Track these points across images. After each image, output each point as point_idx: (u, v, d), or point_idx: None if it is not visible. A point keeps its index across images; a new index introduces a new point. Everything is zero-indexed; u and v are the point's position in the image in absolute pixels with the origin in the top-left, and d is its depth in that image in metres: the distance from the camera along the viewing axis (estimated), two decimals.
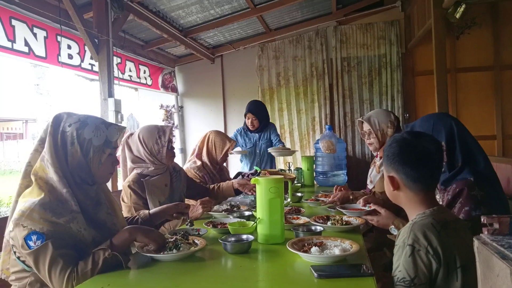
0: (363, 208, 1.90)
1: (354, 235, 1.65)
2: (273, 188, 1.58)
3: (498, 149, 4.72)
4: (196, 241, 1.53)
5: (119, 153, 2.29)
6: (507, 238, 0.90)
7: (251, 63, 5.38)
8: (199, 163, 2.80)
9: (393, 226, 1.49)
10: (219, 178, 2.85)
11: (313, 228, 1.67)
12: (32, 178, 1.36)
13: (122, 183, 2.24)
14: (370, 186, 2.54)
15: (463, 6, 3.42)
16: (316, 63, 5.19)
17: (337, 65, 5.11)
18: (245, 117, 3.76)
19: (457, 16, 3.49)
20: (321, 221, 1.84)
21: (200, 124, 5.63)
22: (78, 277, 1.24)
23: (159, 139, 2.15)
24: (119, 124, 1.59)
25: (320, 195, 2.67)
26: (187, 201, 2.47)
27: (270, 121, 5.22)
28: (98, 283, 1.23)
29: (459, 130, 1.57)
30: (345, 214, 1.96)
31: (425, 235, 1.10)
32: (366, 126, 2.54)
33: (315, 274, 1.19)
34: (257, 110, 3.74)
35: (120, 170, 2.41)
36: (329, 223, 1.79)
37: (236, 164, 4.77)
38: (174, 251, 1.40)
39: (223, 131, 4.56)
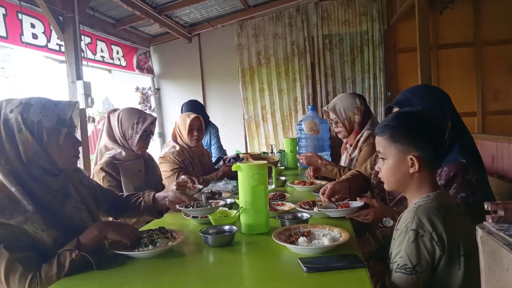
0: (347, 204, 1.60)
1: (342, 221, 1.57)
2: (256, 175, 1.47)
3: (478, 126, 4.75)
4: (174, 235, 1.41)
5: (100, 126, 2.18)
6: None
7: (230, 42, 5.18)
8: (178, 147, 2.65)
9: (387, 218, 1.39)
10: (199, 163, 2.71)
11: (299, 215, 1.58)
12: None
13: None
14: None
15: None
16: (297, 41, 5.04)
17: (318, 43, 4.98)
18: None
19: None
20: (307, 207, 1.75)
21: (178, 107, 5.43)
22: (42, 282, 1.11)
23: (136, 124, 2.06)
24: (69, 100, 1.44)
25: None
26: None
27: (246, 104, 5.08)
28: (65, 287, 1.10)
29: (452, 105, 1.48)
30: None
31: (430, 220, 1.02)
32: (332, 116, 2.46)
33: (304, 267, 1.10)
34: (198, 109, 3.49)
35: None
36: (315, 209, 1.71)
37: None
38: (150, 247, 1.28)
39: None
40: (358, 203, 1.46)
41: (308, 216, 1.54)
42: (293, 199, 2.03)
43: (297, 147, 3.41)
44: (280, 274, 1.15)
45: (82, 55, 3.48)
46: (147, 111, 5.41)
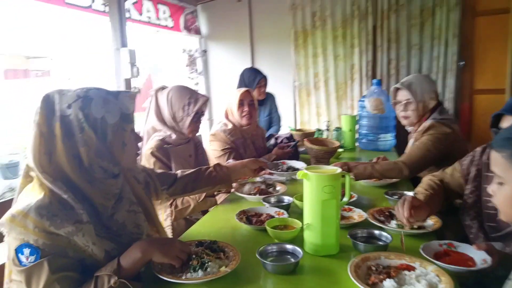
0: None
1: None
2: (327, 187, 1.19)
3: None
4: (227, 250, 1.20)
5: (146, 104, 2.01)
6: None
7: (283, 1, 4.72)
8: (230, 125, 2.41)
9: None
10: (251, 144, 2.47)
11: (376, 234, 1.31)
12: (33, 174, 1.05)
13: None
14: None
15: None
16: (358, 1, 4.49)
17: (383, 4, 4.40)
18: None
19: None
20: (382, 217, 1.47)
21: (225, 70, 5.16)
22: None
23: (188, 106, 1.86)
24: (128, 91, 1.25)
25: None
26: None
27: (298, 70, 4.74)
28: None
29: None
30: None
31: None
32: (404, 95, 2.07)
33: None
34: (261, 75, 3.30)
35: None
36: (393, 223, 1.42)
37: None
38: (200, 272, 1.08)
39: None
40: (479, 254, 1.13)
41: (389, 239, 1.26)
42: (359, 198, 1.75)
43: (357, 125, 3.07)
44: None
45: (128, 16, 3.26)
46: (194, 75, 5.22)
